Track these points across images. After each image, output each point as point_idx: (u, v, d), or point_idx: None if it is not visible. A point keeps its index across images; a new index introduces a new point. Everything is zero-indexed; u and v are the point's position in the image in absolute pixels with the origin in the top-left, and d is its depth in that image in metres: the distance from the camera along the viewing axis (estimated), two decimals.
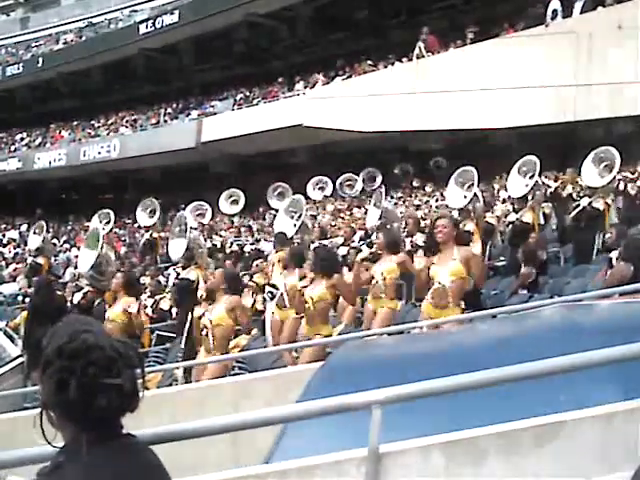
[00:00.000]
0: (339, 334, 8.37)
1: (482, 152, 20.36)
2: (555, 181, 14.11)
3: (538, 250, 10.21)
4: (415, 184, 23.61)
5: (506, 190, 14.68)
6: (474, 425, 3.28)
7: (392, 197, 21.75)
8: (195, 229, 17.07)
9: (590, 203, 11.63)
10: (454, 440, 3.25)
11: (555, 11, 19.98)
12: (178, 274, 12.83)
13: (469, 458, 3.20)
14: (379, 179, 21.47)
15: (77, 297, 12.81)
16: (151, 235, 18.26)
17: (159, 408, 5.74)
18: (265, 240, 17.48)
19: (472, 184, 13.03)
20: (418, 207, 19.20)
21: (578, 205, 12.02)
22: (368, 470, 3.13)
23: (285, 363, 8.14)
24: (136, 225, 23.00)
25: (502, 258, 12.69)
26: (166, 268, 15.66)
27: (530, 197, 12.74)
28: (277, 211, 16.71)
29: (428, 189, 22.50)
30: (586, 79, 18.58)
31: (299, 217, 14.15)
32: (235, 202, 21.53)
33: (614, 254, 8.55)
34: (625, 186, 13.86)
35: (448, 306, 6.70)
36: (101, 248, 13.00)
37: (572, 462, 3.19)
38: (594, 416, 3.23)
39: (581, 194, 12.71)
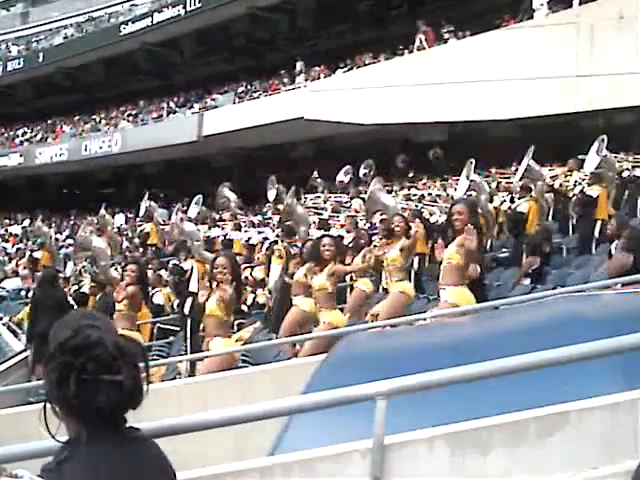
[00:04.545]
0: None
1: (484, 143, 20.34)
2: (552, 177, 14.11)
3: (543, 242, 10.19)
4: (410, 175, 23.50)
5: (498, 185, 14.73)
6: (479, 416, 3.29)
7: (392, 189, 21.73)
8: (195, 223, 17.08)
9: (582, 191, 11.59)
10: (459, 431, 3.25)
11: (550, 2, 20.03)
12: (174, 265, 12.84)
13: (474, 449, 3.20)
14: (374, 169, 21.40)
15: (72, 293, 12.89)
16: (143, 230, 18.40)
17: (163, 401, 5.74)
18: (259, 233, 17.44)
19: (468, 174, 13.05)
20: (421, 198, 19.11)
21: (574, 195, 12.03)
22: (373, 461, 3.14)
23: (289, 355, 8.15)
24: (138, 219, 23.03)
25: (504, 249, 12.69)
26: (167, 262, 15.66)
27: (533, 187, 12.75)
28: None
29: (424, 180, 22.40)
30: (587, 70, 18.53)
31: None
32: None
33: (614, 245, 8.54)
34: (627, 176, 13.86)
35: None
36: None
37: (577, 452, 3.19)
38: (599, 406, 3.23)
39: (576, 183, 12.69)
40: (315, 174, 21.18)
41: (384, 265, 8.86)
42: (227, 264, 6.90)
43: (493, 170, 18.49)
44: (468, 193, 13.04)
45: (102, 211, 20.22)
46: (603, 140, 12.63)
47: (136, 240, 19.46)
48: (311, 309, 8.79)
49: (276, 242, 13.61)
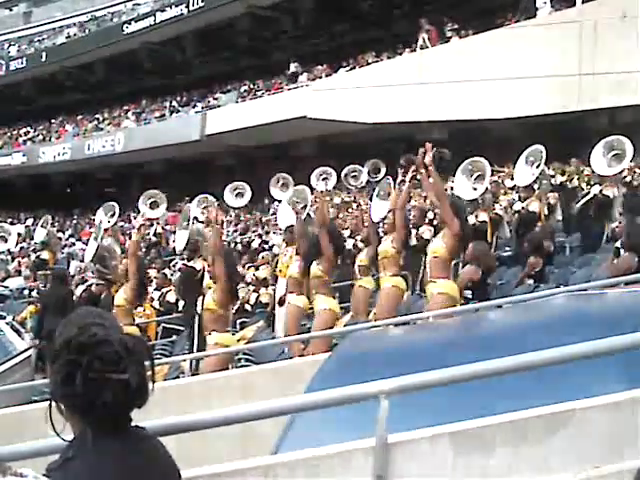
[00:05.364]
0: (345, 325, 8.38)
1: (486, 142, 20.29)
2: (562, 174, 14.04)
3: (544, 240, 10.15)
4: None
5: (512, 179, 14.61)
6: (482, 414, 3.28)
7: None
8: (201, 222, 17.05)
9: (601, 191, 11.54)
10: (462, 430, 3.24)
11: (553, 0, 20.04)
12: (184, 265, 12.84)
13: (477, 448, 3.20)
14: (383, 170, 21.34)
15: (79, 290, 12.88)
16: (155, 230, 18.34)
17: (166, 401, 5.74)
18: (274, 233, 17.43)
19: (481, 175, 12.92)
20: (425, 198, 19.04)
21: (587, 193, 11.95)
22: (376, 460, 3.13)
23: (292, 354, 8.15)
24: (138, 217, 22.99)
25: (508, 248, 12.65)
26: (171, 261, 15.65)
27: (537, 187, 12.68)
28: (280, 202, 16.72)
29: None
30: (590, 68, 18.52)
31: (305, 207, 14.08)
32: (240, 195, 21.47)
33: (620, 243, 8.52)
34: (632, 177, 13.82)
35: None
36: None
37: (580, 451, 3.19)
38: (602, 405, 3.22)
39: (591, 182, 12.64)
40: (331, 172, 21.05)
41: (379, 259, 8.82)
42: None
43: (507, 169, 18.41)
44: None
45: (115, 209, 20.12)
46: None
47: (153, 238, 19.46)
48: (305, 305, 8.85)
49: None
